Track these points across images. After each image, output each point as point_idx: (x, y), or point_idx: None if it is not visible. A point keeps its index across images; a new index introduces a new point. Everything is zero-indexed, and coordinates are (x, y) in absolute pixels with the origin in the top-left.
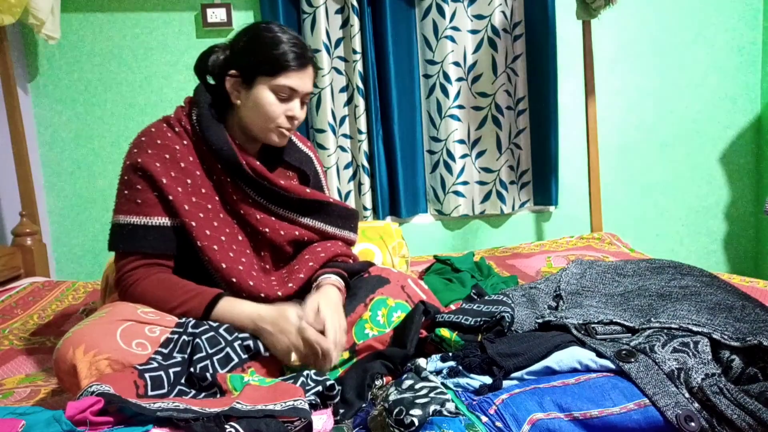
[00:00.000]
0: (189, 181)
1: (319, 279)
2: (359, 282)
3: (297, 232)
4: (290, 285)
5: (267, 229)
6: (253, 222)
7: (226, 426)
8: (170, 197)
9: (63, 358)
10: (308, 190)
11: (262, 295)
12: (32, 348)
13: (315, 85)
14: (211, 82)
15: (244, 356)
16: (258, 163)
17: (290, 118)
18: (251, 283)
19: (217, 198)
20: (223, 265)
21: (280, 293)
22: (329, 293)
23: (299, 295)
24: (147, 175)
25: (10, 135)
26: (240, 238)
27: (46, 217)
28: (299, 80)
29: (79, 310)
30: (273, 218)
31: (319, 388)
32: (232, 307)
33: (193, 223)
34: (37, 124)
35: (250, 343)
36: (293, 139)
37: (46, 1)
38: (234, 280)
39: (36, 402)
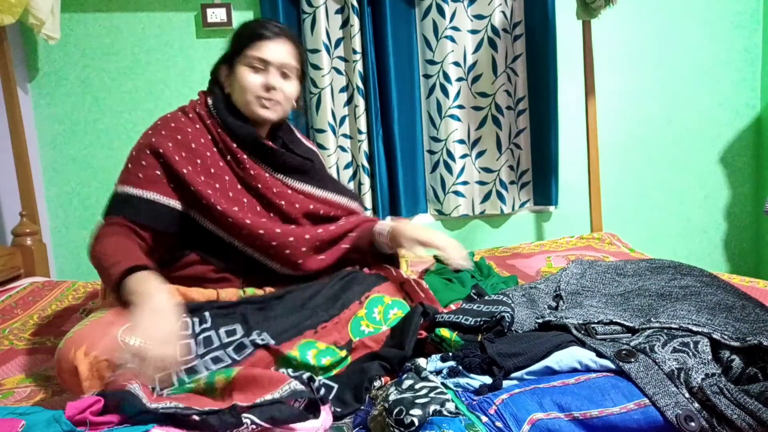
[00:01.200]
0: (199, 161)
1: (375, 231)
2: (356, 277)
3: (312, 206)
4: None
5: (283, 202)
6: (270, 195)
7: (243, 416)
8: (183, 171)
9: (65, 358)
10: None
11: (289, 252)
12: (32, 348)
13: (312, 82)
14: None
15: (237, 358)
16: (269, 142)
17: (268, 89)
18: (278, 231)
19: (227, 177)
20: (248, 221)
21: (304, 249)
22: (399, 224)
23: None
24: (158, 153)
25: (10, 135)
26: (258, 208)
27: (46, 217)
28: (268, 50)
29: (79, 310)
30: (289, 191)
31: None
32: (139, 282)
33: (209, 191)
34: (37, 124)
35: (244, 340)
36: (297, 135)
37: (46, 1)
38: (261, 232)
39: (36, 402)
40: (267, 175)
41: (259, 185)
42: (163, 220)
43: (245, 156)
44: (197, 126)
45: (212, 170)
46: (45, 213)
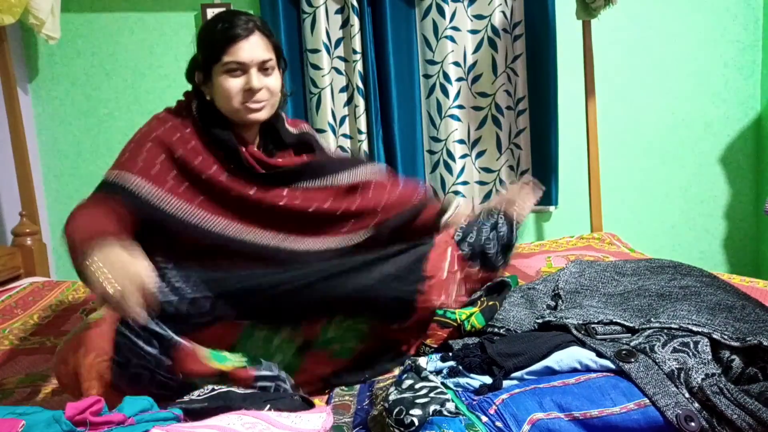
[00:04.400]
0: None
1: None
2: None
3: (323, 204)
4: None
5: (282, 202)
6: (270, 200)
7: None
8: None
9: (64, 361)
10: (304, 157)
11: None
12: (32, 348)
13: (312, 81)
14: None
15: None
16: (256, 149)
17: (249, 92)
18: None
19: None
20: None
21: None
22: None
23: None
24: (162, 143)
25: (10, 135)
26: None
27: (46, 217)
28: (242, 51)
29: (79, 310)
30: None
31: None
32: (102, 247)
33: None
34: (37, 124)
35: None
36: (286, 125)
37: (46, 1)
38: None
39: (36, 402)
40: (256, 186)
41: (251, 192)
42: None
43: (223, 178)
44: (188, 130)
45: (203, 176)
46: (45, 213)
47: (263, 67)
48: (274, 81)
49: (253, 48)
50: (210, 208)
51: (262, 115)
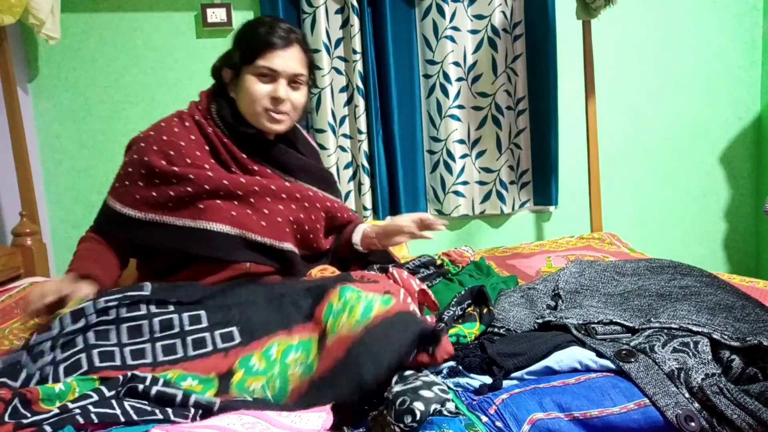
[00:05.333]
0: (192, 176)
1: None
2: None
3: (328, 203)
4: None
5: (284, 194)
6: (276, 188)
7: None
8: (190, 177)
9: None
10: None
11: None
12: None
13: (314, 83)
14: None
15: (192, 353)
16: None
17: (275, 100)
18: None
19: (226, 182)
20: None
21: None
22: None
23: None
24: (153, 173)
25: (10, 135)
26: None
27: (46, 217)
28: (278, 59)
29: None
30: (289, 183)
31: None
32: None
33: (226, 182)
34: (37, 124)
35: (206, 336)
36: (303, 132)
37: (46, 1)
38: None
39: None
40: (277, 173)
41: (273, 187)
42: (153, 238)
43: (255, 166)
44: (192, 137)
45: (206, 186)
46: (45, 213)
47: (294, 81)
48: (300, 96)
49: (289, 59)
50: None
51: (280, 128)
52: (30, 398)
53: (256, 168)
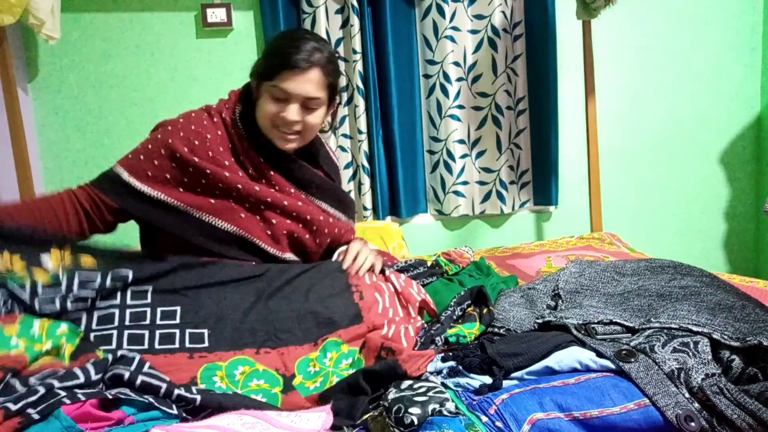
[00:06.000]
0: (208, 171)
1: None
2: (331, 293)
3: (336, 229)
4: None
5: (295, 213)
6: (288, 205)
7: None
8: (207, 171)
9: None
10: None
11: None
12: None
13: (341, 102)
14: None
15: (157, 347)
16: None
17: (286, 122)
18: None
19: (234, 193)
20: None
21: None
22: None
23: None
24: (174, 156)
25: (10, 135)
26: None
27: None
28: (292, 83)
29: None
30: (302, 203)
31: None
32: None
33: (240, 185)
34: (37, 124)
35: (175, 332)
36: (326, 147)
37: (46, 1)
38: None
39: None
40: (293, 190)
41: (286, 203)
42: (156, 218)
43: (272, 173)
44: (219, 132)
45: (220, 185)
46: None
47: (307, 105)
48: (313, 118)
49: (305, 83)
50: (204, 200)
51: (290, 146)
52: (19, 368)
53: (272, 173)
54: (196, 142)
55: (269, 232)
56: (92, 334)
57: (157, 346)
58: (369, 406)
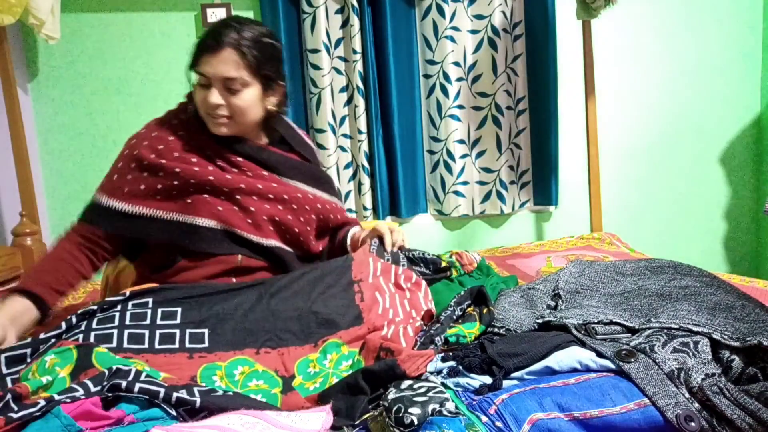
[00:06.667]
0: (178, 170)
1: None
2: (333, 296)
3: (319, 205)
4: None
5: (272, 195)
6: (262, 188)
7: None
8: (176, 171)
9: None
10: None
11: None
12: None
13: (312, 82)
14: None
15: (157, 347)
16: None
17: (209, 105)
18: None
19: (208, 187)
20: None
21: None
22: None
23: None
24: (143, 165)
25: (10, 135)
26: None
27: (46, 217)
28: (207, 65)
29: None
30: (277, 184)
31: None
32: (5, 300)
33: (211, 177)
34: (37, 124)
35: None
36: (297, 131)
37: (46, 1)
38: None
39: None
40: (266, 173)
41: (259, 185)
42: (142, 231)
43: (240, 160)
44: (180, 133)
45: (192, 181)
46: (45, 213)
47: (228, 86)
48: (238, 101)
49: (218, 64)
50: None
51: (224, 130)
52: (21, 392)
53: (241, 160)
54: (161, 147)
55: (249, 220)
56: (92, 334)
57: (157, 346)
58: (368, 406)
